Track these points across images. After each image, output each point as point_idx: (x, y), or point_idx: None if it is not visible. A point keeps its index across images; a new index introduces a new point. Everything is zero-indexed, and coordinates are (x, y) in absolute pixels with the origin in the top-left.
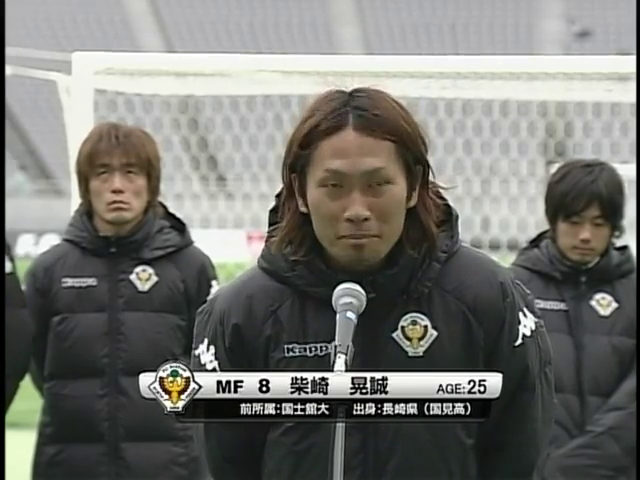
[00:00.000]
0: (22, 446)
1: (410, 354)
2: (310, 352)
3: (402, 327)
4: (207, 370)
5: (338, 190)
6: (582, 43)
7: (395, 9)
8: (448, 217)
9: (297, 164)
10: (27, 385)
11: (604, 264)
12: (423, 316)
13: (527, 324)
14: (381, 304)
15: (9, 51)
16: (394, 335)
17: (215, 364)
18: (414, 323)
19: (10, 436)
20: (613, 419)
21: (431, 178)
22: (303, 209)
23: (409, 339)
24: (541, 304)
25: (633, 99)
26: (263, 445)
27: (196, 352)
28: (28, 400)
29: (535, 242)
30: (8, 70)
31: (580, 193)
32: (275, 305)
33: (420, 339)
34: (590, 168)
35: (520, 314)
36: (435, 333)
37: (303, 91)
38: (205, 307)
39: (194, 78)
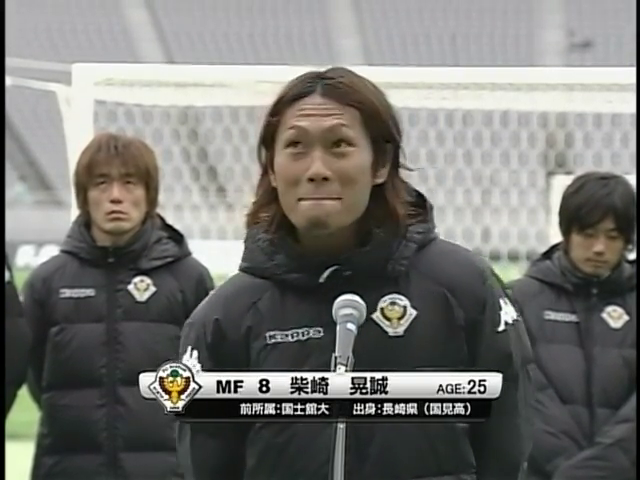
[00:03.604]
0: (21, 457)
1: (390, 334)
2: (292, 338)
3: (381, 308)
4: None
5: (301, 152)
6: (582, 54)
7: (395, 20)
8: (422, 206)
9: (268, 133)
10: (26, 396)
11: (616, 276)
12: (402, 296)
13: (508, 312)
14: (359, 286)
15: (9, 62)
16: (374, 316)
17: (198, 367)
18: (393, 304)
19: (9, 447)
20: (622, 431)
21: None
22: (274, 184)
23: (389, 319)
24: (552, 315)
25: (633, 110)
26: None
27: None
28: (27, 411)
29: (547, 254)
30: (8, 81)
31: (595, 205)
32: (255, 298)
33: (400, 319)
34: (605, 181)
35: (501, 301)
36: (414, 312)
37: None
38: (187, 321)
39: (194, 89)
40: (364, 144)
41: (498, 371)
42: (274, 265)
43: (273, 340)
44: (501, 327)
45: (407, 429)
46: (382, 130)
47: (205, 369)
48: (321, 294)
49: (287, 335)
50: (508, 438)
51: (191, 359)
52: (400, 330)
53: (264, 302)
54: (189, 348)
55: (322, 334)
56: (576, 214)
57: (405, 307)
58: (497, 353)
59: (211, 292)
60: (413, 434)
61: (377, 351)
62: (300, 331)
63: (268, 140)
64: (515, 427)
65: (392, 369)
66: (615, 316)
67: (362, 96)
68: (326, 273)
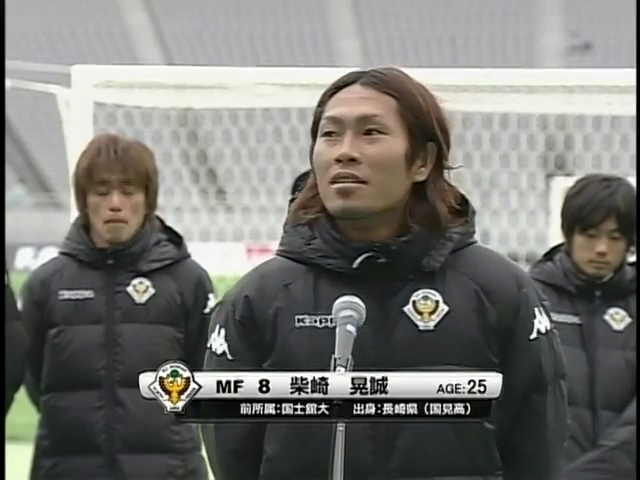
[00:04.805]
0: (20, 459)
1: (421, 328)
2: (320, 323)
3: (414, 302)
4: (216, 355)
5: (335, 138)
6: (582, 56)
7: (395, 22)
8: (465, 210)
9: (314, 125)
10: (25, 398)
11: (618, 279)
12: (435, 292)
13: (542, 321)
14: (392, 276)
15: (8, 64)
16: (405, 309)
17: (225, 347)
18: (425, 298)
19: (8, 449)
20: (626, 434)
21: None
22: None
23: (420, 313)
24: (555, 317)
25: (633, 112)
26: None
27: (209, 343)
28: (26, 414)
29: (549, 255)
30: (7, 83)
31: (597, 206)
32: (288, 280)
33: (431, 313)
34: (608, 182)
35: (536, 309)
36: (446, 308)
37: (302, 104)
38: (219, 300)
39: (193, 91)
40: (399, 134)
41: (529, 379)
42: (310, 249)
43: (301, 324)
44: (533, 335)
45: (437, 425)
46: (422, 125)
47: (232, 347)
48: (354, 281)
49: (316, 320)
50: (534, 447)
51: (219, 337)
52: (430, 325)
53: (297, 285)
54: (217, 326)
55: None
56: (578, 215)
57: (437, 302)
58: (528, 360)
59: (245, 273)
60: (443, 431)
61: (406, 344)
62: (329, 317)
63: (315, 132)
64: (543, 442)
65: (420, 363)
66: (618, 318)
67: (402, 87)
68: (360, 259)
